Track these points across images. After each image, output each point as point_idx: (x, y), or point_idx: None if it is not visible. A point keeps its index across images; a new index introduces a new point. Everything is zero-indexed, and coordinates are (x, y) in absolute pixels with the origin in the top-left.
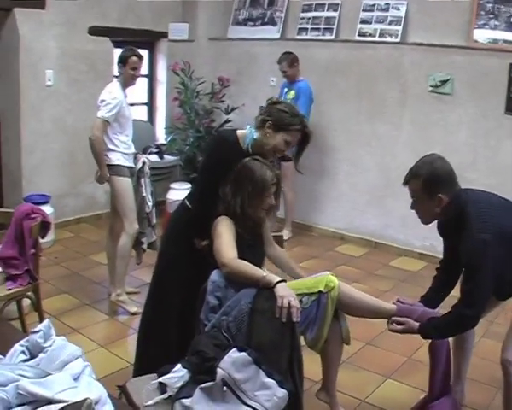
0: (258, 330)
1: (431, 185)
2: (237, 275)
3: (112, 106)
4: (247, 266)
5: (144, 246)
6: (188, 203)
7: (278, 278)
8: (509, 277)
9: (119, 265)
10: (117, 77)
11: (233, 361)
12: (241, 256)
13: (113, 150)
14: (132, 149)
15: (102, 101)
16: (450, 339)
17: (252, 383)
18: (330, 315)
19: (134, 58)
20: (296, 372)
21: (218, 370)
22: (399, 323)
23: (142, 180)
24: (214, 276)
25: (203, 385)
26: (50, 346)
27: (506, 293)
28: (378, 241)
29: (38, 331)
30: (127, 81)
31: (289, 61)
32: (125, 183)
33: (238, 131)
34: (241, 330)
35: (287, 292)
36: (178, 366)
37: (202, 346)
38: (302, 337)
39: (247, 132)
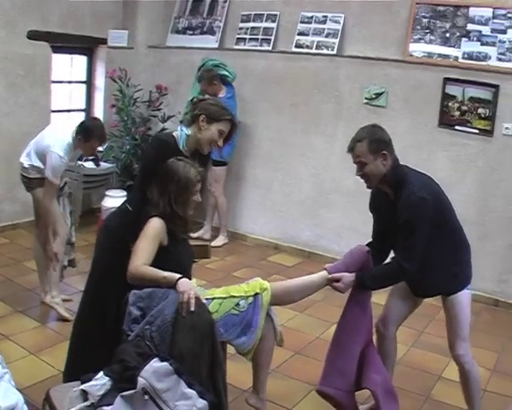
0: (180, 340)
1: (376, 144)
2: (140, 279)
3: (59, 172)
4: (147, 270)
5: (65, 263)
6: (129, 206)
7: (178, 276)
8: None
9: (53, 267)
10: (73, 136)
11: (154, 371)
12: (175, 251)
13: (37, 168)
14: None
15: (52, 164)
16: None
17: (172, 393)
18: (264, 317)
19: (98, 142)
20: (219, 382)
21: (139, 379)
22: (336, 280)
23: (61, 199)
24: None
25: (124, 393)
26: None
27: (428, 280)
28: (311, 251)
29: None
30: (83, 152)
31: (208, 80)
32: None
33: (174, 133)
34: (164, 339)
35: (187, 287)
36: (100, 373)
37: (125, 354)
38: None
39: (179, 132)
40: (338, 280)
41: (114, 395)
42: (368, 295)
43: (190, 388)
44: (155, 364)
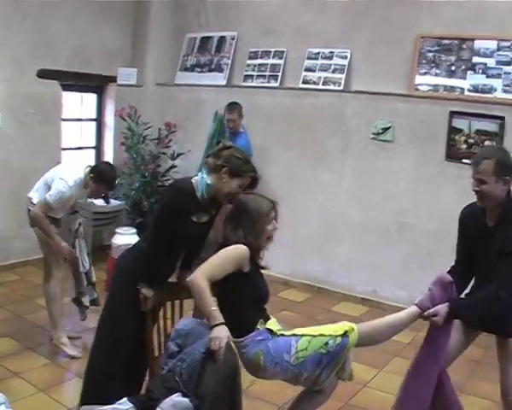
0: (204, 381)
1: (502, 167)
2: (194, 292)
3: (62, 199)
4: (205, 293)
5: (87, 304)
6: (143, 245)
7: (218, 321)
8: None
9: (52, 308)
10: (85, 173)
11: (173, 404)
12: (256, 279)
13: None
14: (61, 214)
15: (58, 188)
16: None
17: None
18: (346, 356)
19: (107, 188)
20: None
21: (158, 409)
22: (433, 315)
23: (77, 241)
24: (179, 324)
25: None
26: None
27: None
28: (321, 286)
29: None
30: (90, 193)
31: (239, 112)
32: None
33: (193, 180)
34: (192, 378)
35: (219, 334)
36: (124, 399)
37: (153, 386)
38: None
39: (199, 179)
40: (435, 315)
41: None
42: (451, 326)
43: None
44: (176, 398)
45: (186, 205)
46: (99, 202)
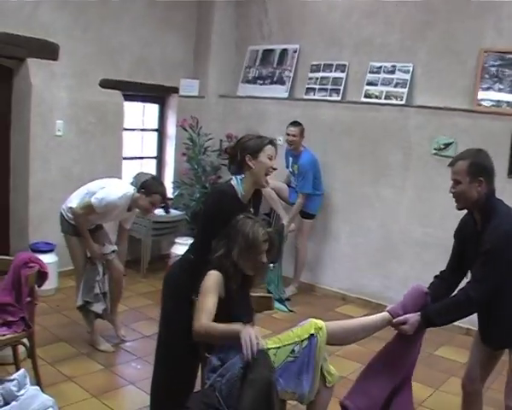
0: (243, 396)
1: (476, 168)
2: (204, 336)
3: (107, 206)
4: (210, 326)
5: (99, 311)
6: (191, 255)
7: (240, 326)
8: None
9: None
10: (134, 189)
11: None
12: (230, 305)
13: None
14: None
15: (108, 194)
16: None
17: None
18: (322, 356)
19: (159, 197)
20: None
21: None
22: (402, 323)
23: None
24: None
25: None
26: (23, 395)
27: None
28: (378, 302)
29: (13, 380)
30: (141, 207)
31: (301, 130)
32: (75, 240)
33: (232, 182)
34: (231, 393)
35: (247, 331)
36: None
37: (191, 402)
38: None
39: (234, 181)
40: (404, 323)
41: None
42: (420, 336)
43: None
44: None
45: (229, 207)
46: (159, 211)
